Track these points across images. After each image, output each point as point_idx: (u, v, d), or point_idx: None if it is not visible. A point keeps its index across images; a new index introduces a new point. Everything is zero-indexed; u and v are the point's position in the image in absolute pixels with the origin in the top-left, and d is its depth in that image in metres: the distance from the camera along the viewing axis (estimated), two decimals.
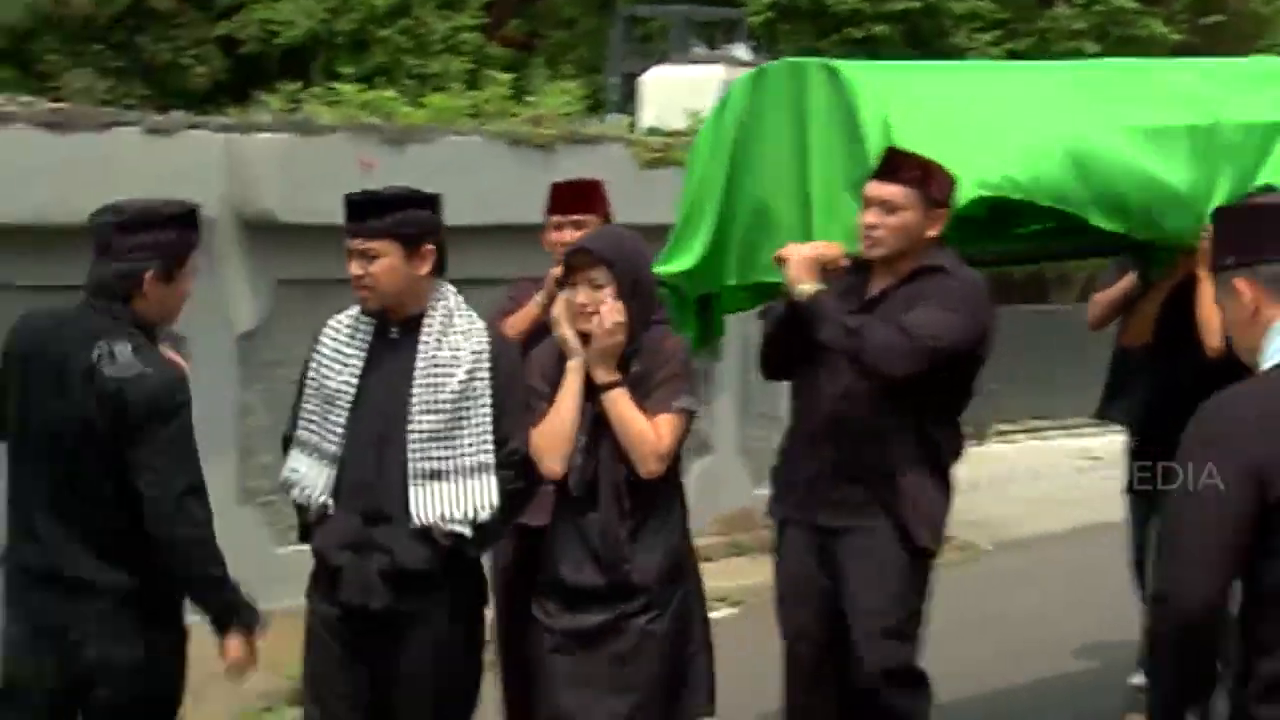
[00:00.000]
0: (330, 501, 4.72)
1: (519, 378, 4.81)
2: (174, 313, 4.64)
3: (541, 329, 5.55)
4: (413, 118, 8.53)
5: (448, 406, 4.64)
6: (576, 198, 5.77)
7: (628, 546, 4.78)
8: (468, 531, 4.62)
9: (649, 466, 4.75)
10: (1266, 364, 3.35)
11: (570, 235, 5.63)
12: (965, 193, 5.15)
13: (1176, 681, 3.37)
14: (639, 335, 4.82)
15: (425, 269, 4.72)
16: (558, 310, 4.93)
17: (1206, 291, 5.43)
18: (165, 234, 4.53)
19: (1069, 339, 14.60)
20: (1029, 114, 5.52)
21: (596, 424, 4.83)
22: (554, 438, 4.83)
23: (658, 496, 4.83)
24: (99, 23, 15.55)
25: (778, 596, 5.42)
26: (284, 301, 7.44)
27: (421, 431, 4.62)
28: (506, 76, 9.44)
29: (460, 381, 4.65)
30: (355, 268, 4.70)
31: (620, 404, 4.77)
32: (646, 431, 4.76)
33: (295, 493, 4.80)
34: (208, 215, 7.12)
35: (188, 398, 4.42)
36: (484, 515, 4.63)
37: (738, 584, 8.68)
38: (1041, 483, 12.43)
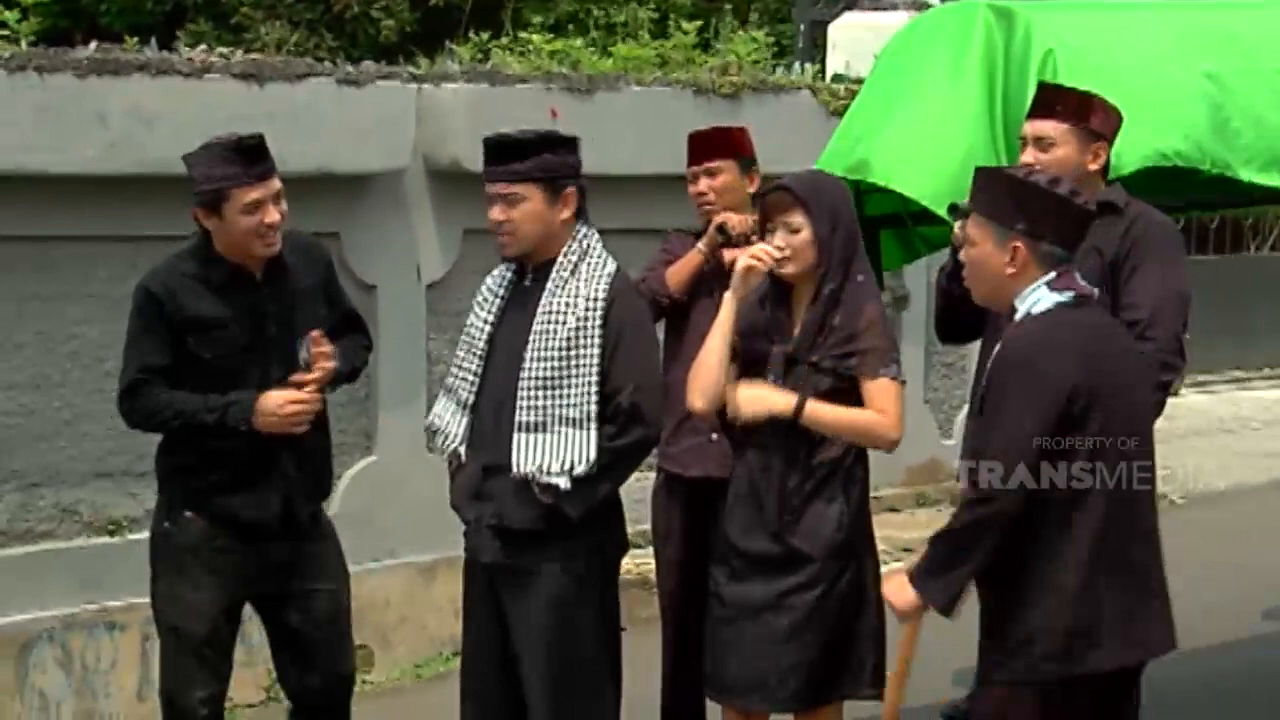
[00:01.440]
0: (464, 450, 4.74)
1: (637, 326, 4.67)
2: (242, 247, 4.74)
3: (703, 279, 5.50)
4: (600, 67, 8.54)
5: (556, 354, 4.54)
6: (708, 146, 5.64)
7: (797, 511, 4.67)
8: (563, 484, 4.52)
9: (888, 442, 4.67)
10: (1031, 308, 4.04)
11: (704, 184, 5.56)
12: (1128, 163, 5.07)
13: (978, 562, 4.03)
14: (841, 281, 4.70)
15: (567, 213, 4.65)
16: (743, 259, 4.82)
17: None
18: (201, 168, 4.69)
19: (1270, 288, 14.25)
20: (1191, 67, 5.39)
21: (789, 366, 4.74)
22: (697, 372, 4.75)
23: (839, 461, 4.70)
24: None
25: None
26: (471, 250, 7.50)
27: (531, 379, 4.55)
28: (693, 25, 9.40)
29: (570, 329, 4.55)
30: (497, 213, 4.65)
31: (822, 415, 4.62)
32: (867, 420, 4.63)
33: (437, 440, 4.84)
34: (398, 165, 7.28)
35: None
36: (580, 469, 4.51)
37: (923, 536, 8.61)
38: (1239, 434, 12.16)
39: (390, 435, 7.36)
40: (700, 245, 5.53)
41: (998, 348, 4.09)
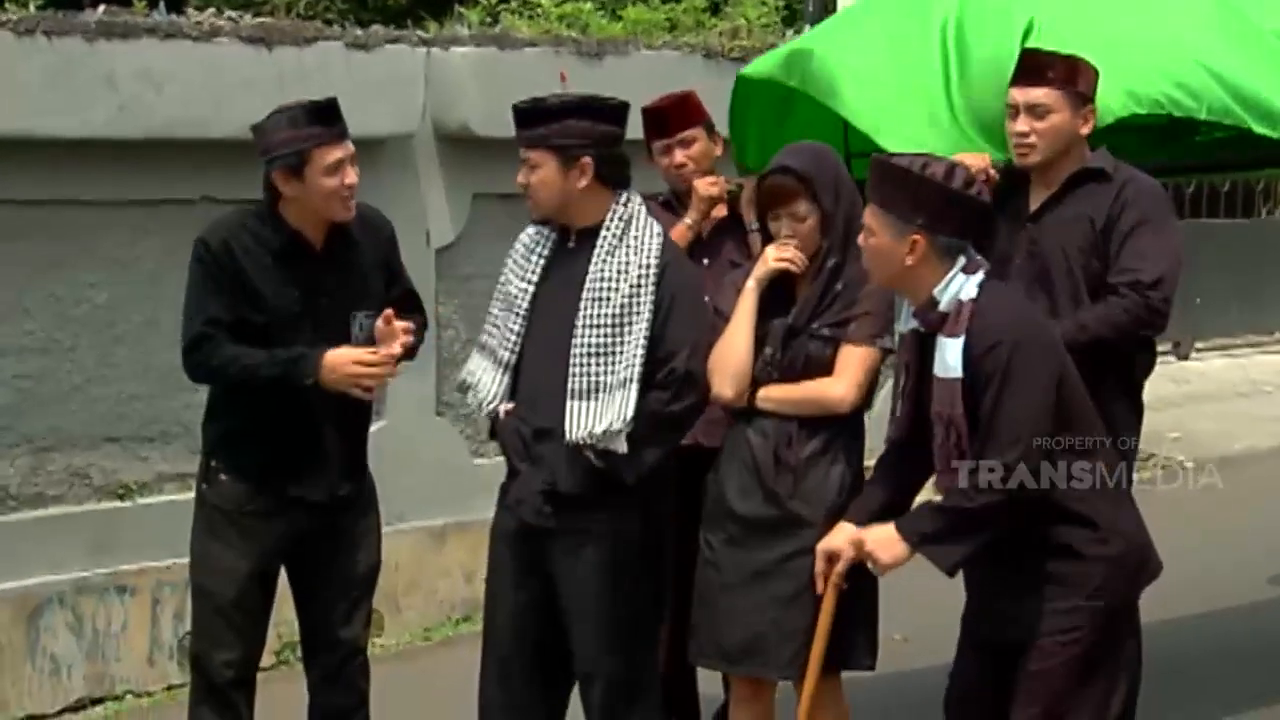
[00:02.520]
0: (504, 408, 4.72)
1: (690, 294, 4.69)
2: (322, 210, 4.72)
3: (694, 250, 5.45)
4: (609, 30, 8.51)
5: (610, 322, 4.57)
6: (678, 116, 5.57)
7: (797, 475, 4.69)
8: (618, 447, 4.53)
9: (839, 403, 4.70)
10: (959, 295, 4.09)
11: (680, 155, 5.51)
12: (1117, 106, 5.05)
13: (986, 538, 4.12)
14: (846, 244, 4.69)
15: (583, 182, 4.64)
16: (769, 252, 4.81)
17: None
18: (280, 133, 4.66)
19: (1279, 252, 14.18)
20: (1183, 18, 5.38)
21: (788, 338, 4.78)
22: (726, 361, 4.75)
23: (837, 427, 4.72)
24: None
25: None
26: (480, 215, 7.50)
27: (584, 346, 4.57)
28: None
29: (624, 296, 4.57)
30: (520, 177, 4.68)
31: (775, 395, 4.71)
32: (815, 389, 4.70)
33: (470, 396, 4.84)
34: (407, 130, 7.27)
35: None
36: (617, 426, 4.51)
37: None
38: (1251, 398, 12.15)
39: (400, 400, 7.35)
40: (688, 220, 5.50)
41: (959, 340, 4.08)
